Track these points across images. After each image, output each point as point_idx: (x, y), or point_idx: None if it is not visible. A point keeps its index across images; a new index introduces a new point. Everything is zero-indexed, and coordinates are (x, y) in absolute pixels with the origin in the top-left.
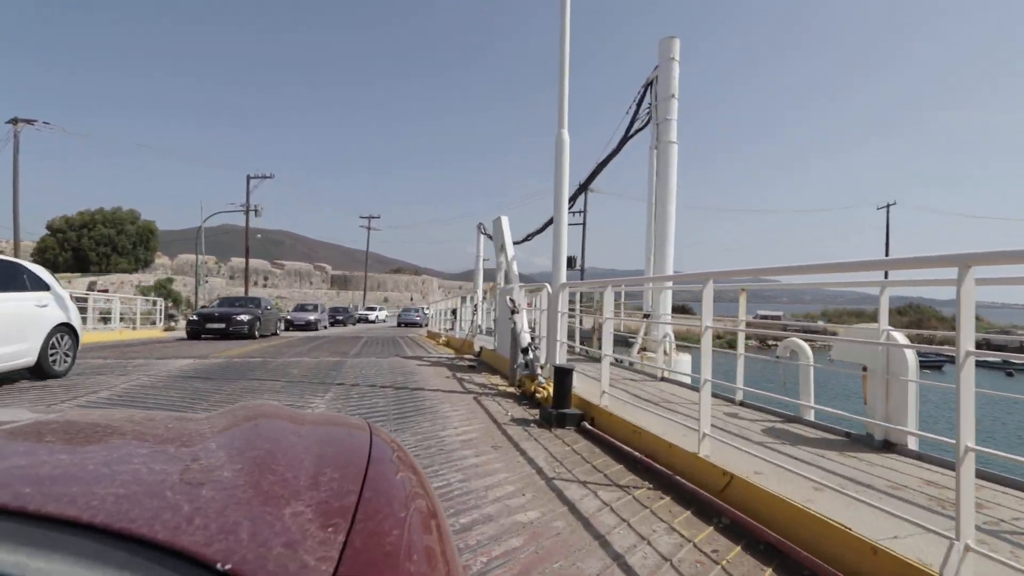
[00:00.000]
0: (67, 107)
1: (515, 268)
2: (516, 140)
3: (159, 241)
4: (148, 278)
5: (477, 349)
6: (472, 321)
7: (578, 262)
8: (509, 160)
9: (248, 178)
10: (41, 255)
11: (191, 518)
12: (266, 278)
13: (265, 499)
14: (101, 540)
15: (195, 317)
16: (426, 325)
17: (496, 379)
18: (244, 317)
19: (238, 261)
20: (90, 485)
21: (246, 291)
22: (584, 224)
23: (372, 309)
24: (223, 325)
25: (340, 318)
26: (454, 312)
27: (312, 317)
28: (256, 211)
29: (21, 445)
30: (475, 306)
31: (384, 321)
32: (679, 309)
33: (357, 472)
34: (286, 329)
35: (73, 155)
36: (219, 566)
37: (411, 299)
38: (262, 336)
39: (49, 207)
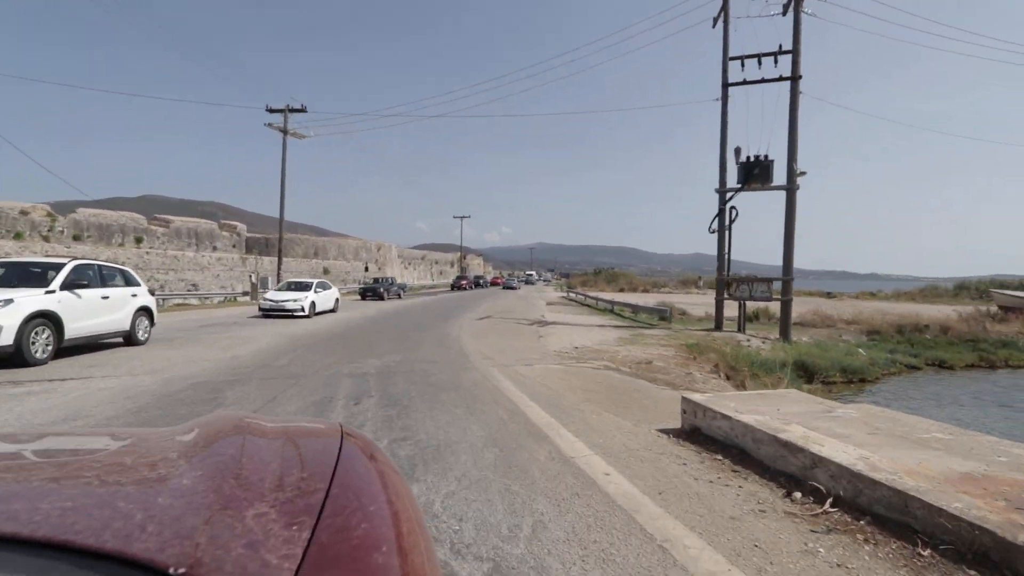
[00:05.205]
0: None
1: None
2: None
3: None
4: None
5: None
6: None
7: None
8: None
9: None
10: None
11: (143, 526)
12: (139, 240)
13: (226, 503)
14: (45, 555)
15: None
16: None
17: None
18: None
19: (87, 213)
20: (34, 501)
21: None
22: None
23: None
24: None
25: None
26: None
27: None
28: None
29: None
30: None
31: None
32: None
33: (325, 471)
34: None
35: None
36: (172, 570)
37: (365, 269)
38: None
39: None
